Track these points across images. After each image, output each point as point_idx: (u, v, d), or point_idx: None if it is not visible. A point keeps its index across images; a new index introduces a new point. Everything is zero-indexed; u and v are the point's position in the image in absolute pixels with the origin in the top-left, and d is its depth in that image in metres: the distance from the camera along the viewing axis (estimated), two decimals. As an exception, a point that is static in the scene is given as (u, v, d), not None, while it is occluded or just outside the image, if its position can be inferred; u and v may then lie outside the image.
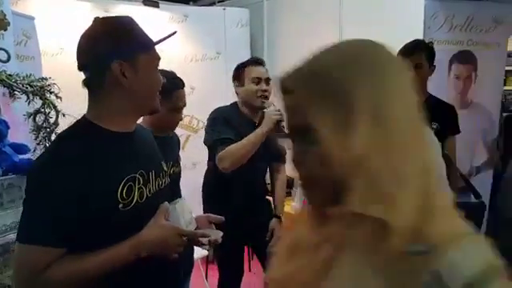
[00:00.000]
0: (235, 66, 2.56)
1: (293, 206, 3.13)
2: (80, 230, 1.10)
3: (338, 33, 3.99)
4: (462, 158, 2.75)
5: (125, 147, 1.24)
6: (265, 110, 2.34)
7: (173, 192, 1.47)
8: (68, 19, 3.47)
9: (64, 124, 1.70)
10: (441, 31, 2.95)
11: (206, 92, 4.21)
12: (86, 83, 1.22)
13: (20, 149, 1.87)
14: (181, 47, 4.13)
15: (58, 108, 2.00)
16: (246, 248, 2.83)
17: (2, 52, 2.18)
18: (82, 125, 1.22)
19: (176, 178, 2.10)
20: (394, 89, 0.66)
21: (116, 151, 1.21)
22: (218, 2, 5.02)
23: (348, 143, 0.63)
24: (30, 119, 1.98)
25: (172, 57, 3.96)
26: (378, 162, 0.62)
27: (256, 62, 2.52)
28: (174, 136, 2.24)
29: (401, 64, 0.72)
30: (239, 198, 2.44)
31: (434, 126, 2.20)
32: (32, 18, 3.01)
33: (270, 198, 2.73)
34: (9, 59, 2.20)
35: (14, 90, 1.89)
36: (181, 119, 2.09)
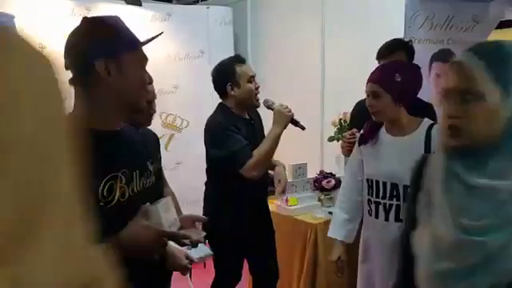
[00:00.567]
0: (219, 69, 2.46)
1: (276, 204, 3.14)
2: None
3: (319, 31, 4.02)
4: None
5: (108, 146, 1.24)
6: (273, 108, 2.34)
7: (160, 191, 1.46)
8: (50, 18, 3.43)
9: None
10: (421, 30, 2.99)
11: (190, 91, 4.21)
12: (71, 82, 1.22)
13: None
14: (164, 46, 4.11)
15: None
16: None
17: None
18: None
19: (158, 174, 2.08)
20: None
21: (98, 150, 1.20)
22: (202, 0, 5.01)
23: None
24: None
25: (155, 55, 3.93)
26: None
27: (241, 60, 2.48)
28: (148, 133, 2.18)
29: None
30: (242, 212, 2.42)
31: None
32: (12, 17, 2.97)
33: (271, 208, 2.74)
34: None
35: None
36: (152, 113, 2.06)
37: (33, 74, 0.40)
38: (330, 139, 3.58)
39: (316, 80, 4.18)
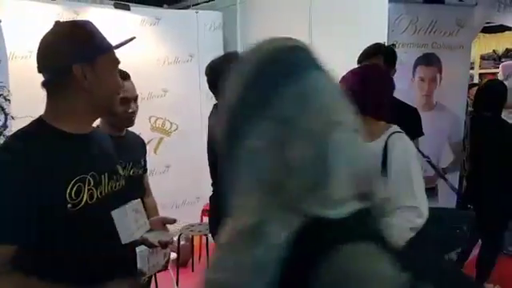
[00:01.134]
0: (213, 68, 2.33)
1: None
2: (28, 226, 1.11)
3: (308, 35, 4.06)
4: (428, 158, 2.83)
5: (77, 148, 1.25)
6: None
7: (132, 194, 1.47)
8: (38, 22, 3.42)
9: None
10: (405, 34, 3.03)
11: (179, 95, 4.22)
12: (45, 85, 1.24)
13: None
14: (153, 50, 4.12)
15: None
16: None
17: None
18: (34, 124, 1.24)
19: (137, 179, 2.10)
20: None
21: (67, 151, 1.22)
22: (193, 5, 5.03)
23: None
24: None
25: (144, 59, 3.95)
26: None
27: (234, 57, 2.39)
28: (133, 137, 2.19)
29: None
30: None
31: None
32: (-2, 21, 2.96)
33: None
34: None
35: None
36: (131, 112, 2.04)
37: None
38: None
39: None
